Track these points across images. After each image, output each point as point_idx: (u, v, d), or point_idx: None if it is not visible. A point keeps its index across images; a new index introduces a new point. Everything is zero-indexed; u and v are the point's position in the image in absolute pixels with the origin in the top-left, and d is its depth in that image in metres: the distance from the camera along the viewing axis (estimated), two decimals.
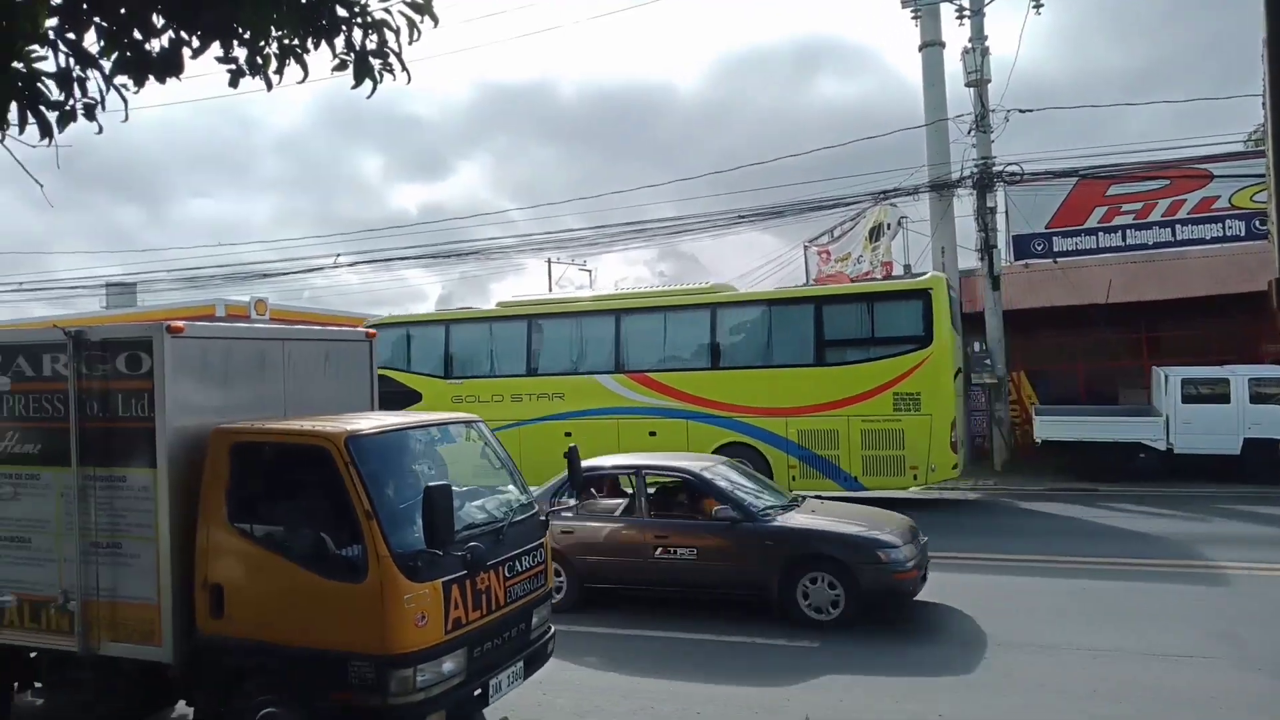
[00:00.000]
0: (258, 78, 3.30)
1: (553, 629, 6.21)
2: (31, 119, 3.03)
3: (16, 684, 6.16)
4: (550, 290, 32.83)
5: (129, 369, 5.36)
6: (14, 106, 3.01)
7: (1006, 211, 19.81)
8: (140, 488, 5.35)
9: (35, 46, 3.16)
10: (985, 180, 18.94)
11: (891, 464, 13.70)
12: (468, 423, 6.32)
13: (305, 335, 6.56)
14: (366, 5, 3.53)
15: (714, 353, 14.92)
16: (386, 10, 3.54)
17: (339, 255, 25.12)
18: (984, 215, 19.01)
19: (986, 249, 19.02)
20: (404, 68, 3.70)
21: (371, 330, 7.01)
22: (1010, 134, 19.01)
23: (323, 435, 5.13)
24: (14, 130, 3.22)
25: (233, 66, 3.24)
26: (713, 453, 13.27)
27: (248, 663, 5.16)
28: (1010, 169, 18.86)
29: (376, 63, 3.64)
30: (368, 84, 3.65)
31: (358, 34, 3.56)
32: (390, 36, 3.63)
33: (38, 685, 6.18)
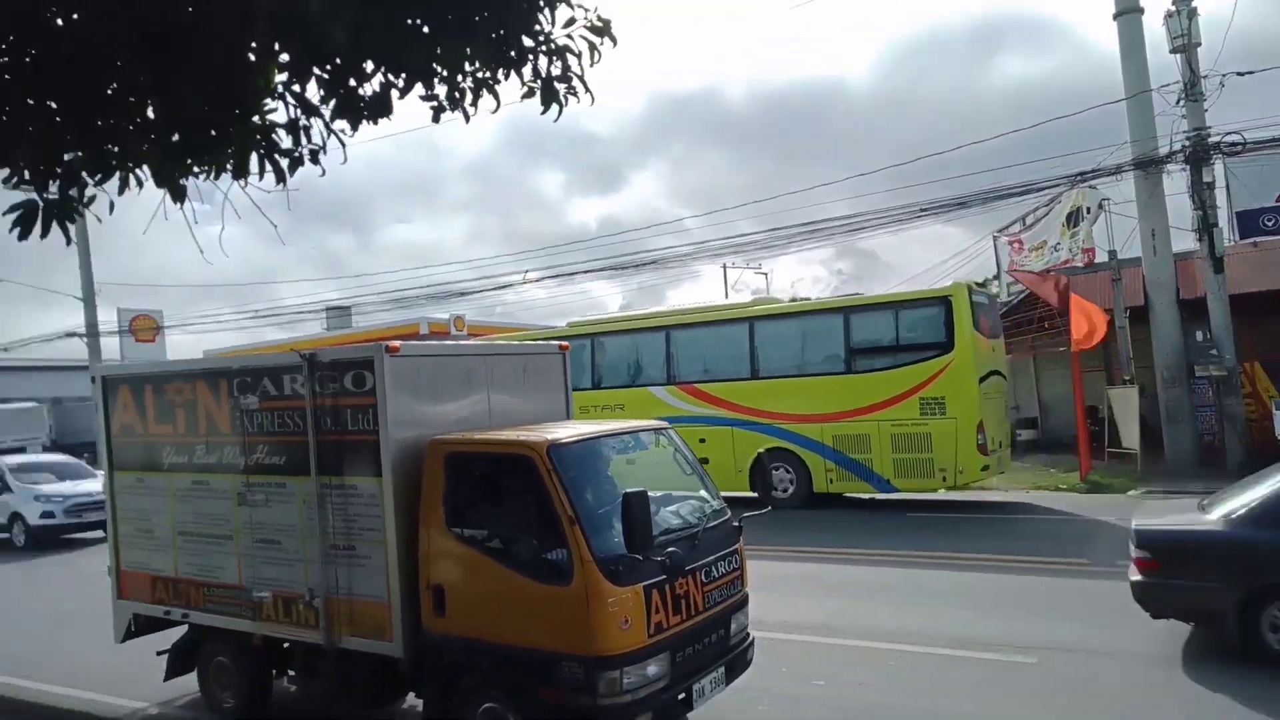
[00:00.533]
0: (457, 111, 3.53)
1: (752, 636, 6.18)
2: (268, 167, 3.41)
3: (275, 670, 6.90)
4: (726, 296, 32.82)
5: (355, 386, 5.86)
6: (254, 156, 3.38)
7: (1227, 186, 17.60)
8: (369, 495, 5.83)
9: (268, 101, 3.53)
10: (1200, 153, 16.98)
11: (921, 466, 14.21)
12: (658, 430, 6.42)
13: (505, 350, 6.93)
14: (550, 34, 3.67)
15: (754, 363, 15.85)
16: (569, 36, 3.67)
17: (527, 271, 26.34)
18: (1200, 192, 17.06)
19: (1205, 228, 17.07)
20: (587, 89, 3.83)
21: (564, 344, 7.29)
22: (1226, 101, 16.86)
23: (526, 444, 5.38)
24: (254, 177, 3.61)
25: (434, 103, 3.47)
26: (755, 458, 14.08)
27: (468, 659, 5.49)
28: (1230, 139, 16.80)
29: (561, 87, 3.78)
30: (554, 109, 3.80)
31: (543, 62, 3.71)
32: (573, 61, 3.76)
33: (291, 673, 6.86)
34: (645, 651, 5.04)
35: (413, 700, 6.66)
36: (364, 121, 3.41)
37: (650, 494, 5.18)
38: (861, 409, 14.60)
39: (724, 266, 36.33)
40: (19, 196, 3.55)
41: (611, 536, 5.16)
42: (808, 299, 16.43)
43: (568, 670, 4.99)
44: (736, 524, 6.20)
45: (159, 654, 7.22)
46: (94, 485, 17.15)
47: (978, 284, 15.37)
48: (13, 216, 3.50)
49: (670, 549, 5.24)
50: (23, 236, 3.51)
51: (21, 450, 42.27)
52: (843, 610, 8.90)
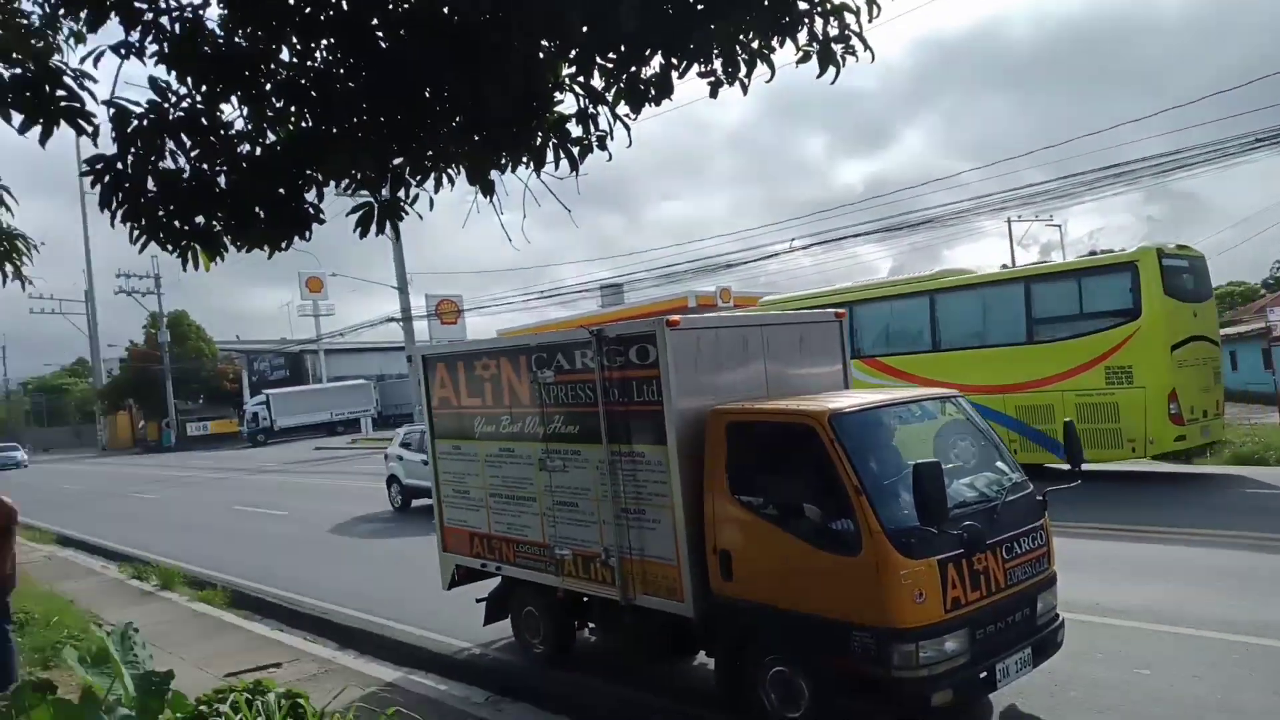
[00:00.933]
0: (734, 84, 3.53)
1: (1061, 617, 5.74)
2: (562, 156, 3.63)
3: (577, 622, 7.47)
4: (1011, 252, 30.32)
5: (639, 359, 6.14)
6: (549, 148, 3.62)
7: None
8: (655, 462, 6.10)
9: (558, 95, 3.75)
10: None
11: (1108, 437, 13.60)
12: (946, 398, 6.10)
13: (781, 320, 6.91)
14: None
15: (935, 336, 15.82)
16: None
17: (793, 240, 25.95)
18: None
19: None
20: (866, 46, 3.67)
21: (841, 311, 7.13)
22: None
23: (807, 414, 5.35)
24: (549, 166, 3.86)
25: (712, 79, 3.50)
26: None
27: (757, 623, 5.60)
28: None
29: (838, 48, 3.65)
30: (830, 71, 3.68)
31: (819, 24, 3.60)
32: (850, 19, 3.61)
33: (592, 625, 7.40)
34: (942, 626, 4.87)
35: (703, 658, 6.92)
36: (646, 104, 3.53)
37: (943, 465, 4.94)
38: (1045, 379, 14.25)
39: (1008, 221, 33.63)
40: (344, 203, 4.09)
41: (900, 508, 5.00)
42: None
43: (859, 641, 4.94)
44: (1040, 498, 5.75)
45: (478, 601, 8.08)
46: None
47: (1178, 246, 14.03)
48: (353, 218, 4.04)
49: (967, 523, 4.98)
50: (363, 234, 4.04)
51: (356, 421, 49.18)
52: (1166, 594, 7.97)
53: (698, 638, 6.26)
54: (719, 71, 3.50)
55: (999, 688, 5.14)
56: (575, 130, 3.68)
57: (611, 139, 3.67)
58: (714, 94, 3.59)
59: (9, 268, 5.85)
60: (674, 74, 3.47)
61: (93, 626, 8.98)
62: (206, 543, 16.23)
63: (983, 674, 5.05)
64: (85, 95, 3.94)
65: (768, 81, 3.72)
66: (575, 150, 3.67)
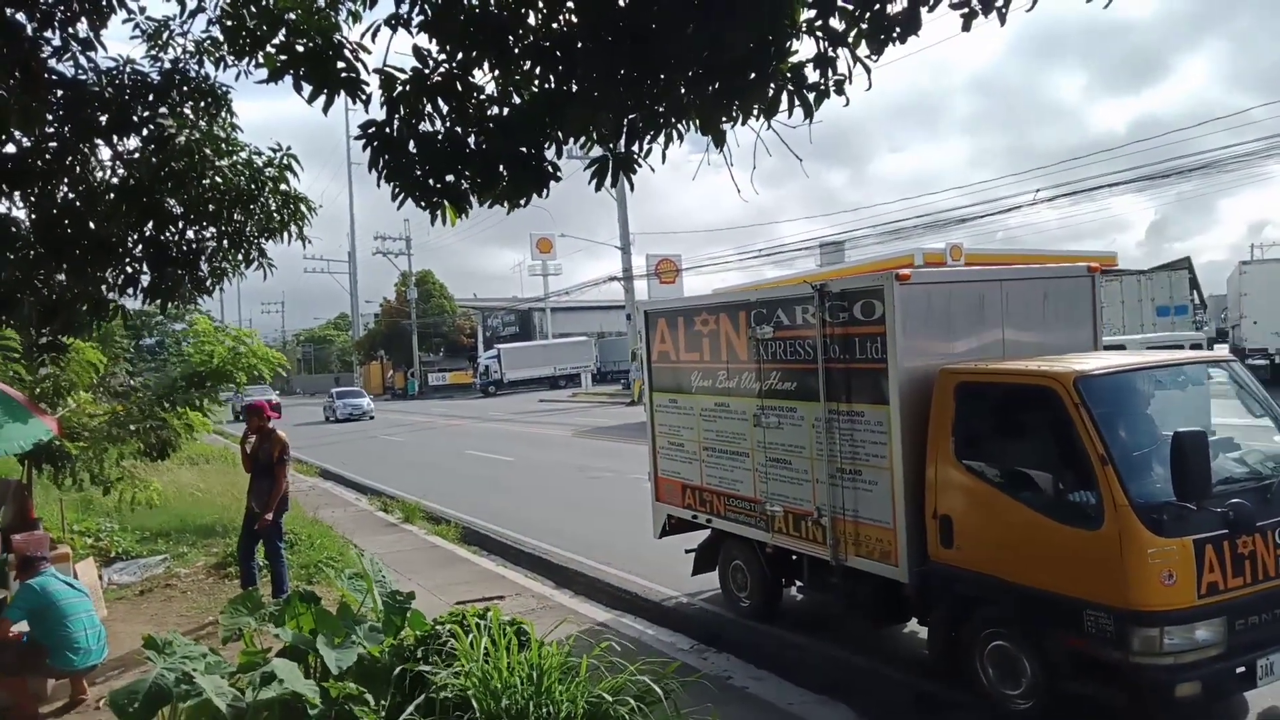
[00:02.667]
0: (990, 14, 3.30)
1: None
2: (797, 102, 3.59)
3: (784, 579, 7.51)
4: None
5: (863, 315, 5.99)
6: (783, 95, 3.59)
7: None
8: (875, 422, 5.96)
9: (795, 41, 3.69)
10: None
11: None
12: (1215, 361, 5.50)
13: (1023, 275, 6.48)
14: None
15: None
16: None
17: (1038, 191, 23.95)
18: None
19: None
20: None
21: (1095, 265, 6.56)
22: None
23: (1050, 375, 5.01)
24: (781, 115, 3.82)
25: (965, 10, 3.30)
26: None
27: (976, 593, 5.38)
28: None
29: None
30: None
31: None
32: None
33: (799, 584, 7.41)
34: (1193, 612, 4.46)
35: (915, 626, 6.75)
36: (890, 44, 3.40)
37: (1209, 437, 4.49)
38: None
39: None
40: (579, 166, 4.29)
41: (1152, 482, 4.61)
42: None
43: (1093, 620, 4.63)
44: None
45: (687, 552, 8.31)
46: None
47: None
48: (583, 183, 4.24)
49: (1234, 501, 4.50)
50: (598, 187, 4.22)
51: (576, 376, 51.74)
52: None
53: (910, 604, 6.11)
54: (974, 2, 3.29)
55: (1259, 685, 4.64)
56: (812, 76, 3.63)
57: (850, 83, 3.58)
58: (967, 27, 3.38)
59: (294, 228, 6.61)
60: (923, 9, 3.31)
61: (349, 549, 10.16)
62: (442, 482, 17.77)
63: (1239, 669, 4.58)
64: (360, 66, 4.37)
65: (1029, 10, 3.41)
66: (811, 96, 3.61)
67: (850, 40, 3.45)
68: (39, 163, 5.67)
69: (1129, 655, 4.50)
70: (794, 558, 7.17)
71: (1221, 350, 22.35)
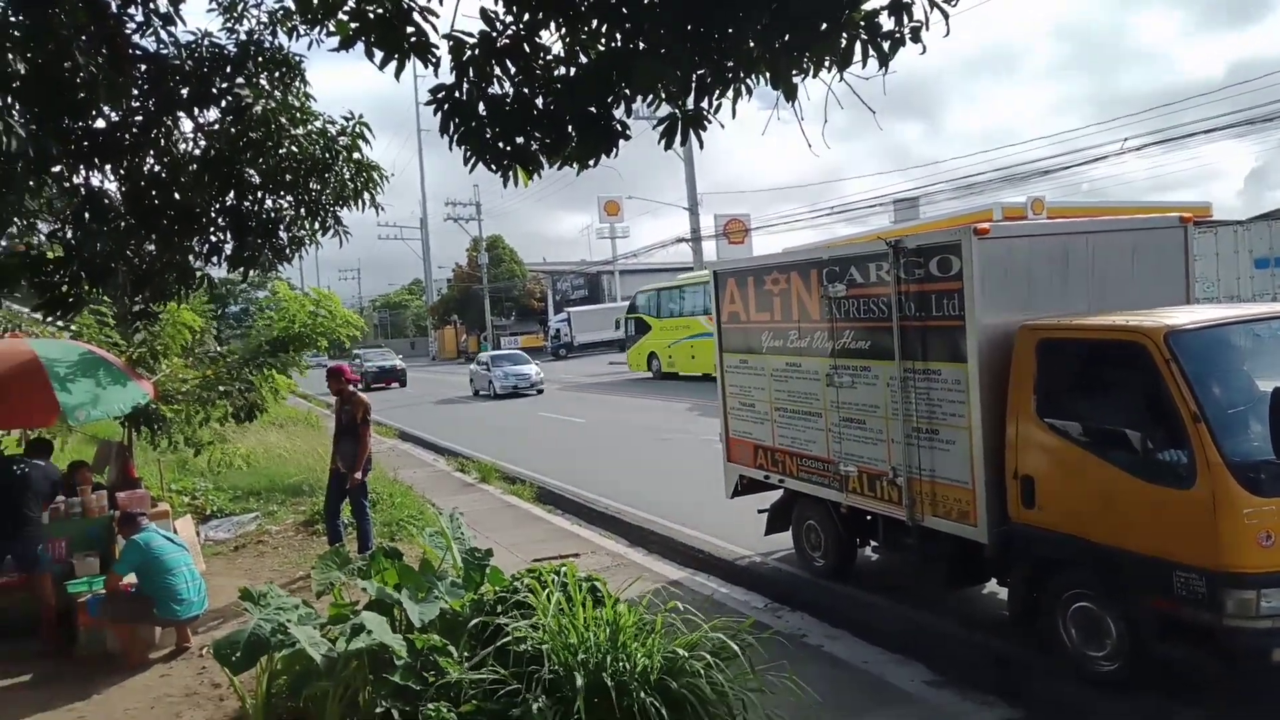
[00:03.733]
0: None
1: None
2: (871, 52, 3.47)
3: (858, 540, 7.46)
4: None
5: (940, 271, 5.84)
6: (857, 45, 3.48)
7: None
8: (953, 381, 5.83)
9: None
10: None
11: None
12: None
13: (1110, 226, 6.21)
14: None
15: None
16: None
17: (1126, 140, 22.78)
18: None
19: None
20: None
21: (1188, 215, 6.25)
22: None
23: (1138, 330, 4.81)
24: (855, 66, 3.71)
25: None
26: None
27: (1059, 554, 5.26)
28: None
29: None
30: None
31: None
32: None
33: (874, 544, 7.36)
34: None
35: (993, 586, 6.65)
36: None
37: None
38: None
39: None
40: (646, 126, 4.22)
41: (1248, 440, 4.42)
42: None
43: (1184, 581, 4.48)
44: None
45: (759, 512, 8.31)
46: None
47: None
48: (651, 144, 4.19)
49: None
50: (668, 145, 4.18)
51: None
52: None
53: (989, 565, 6.01)
54: None
55: None
56: (886, 23, 3.50)
57: (927, 29, 3.44)
58: None
59: (367, 196, 6.73)
60: None
61: (428, 508, 10.45)
62: (516, 443, 18.10)
63: None
64: (429, 30, 4.39)
65: None
66: (885, 45, 3.49)
67: None
68: (126, 136, 5.87)
69: (1222, 618, 4.36)
70: (869, 518, 7.11)
71: None
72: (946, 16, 3.39)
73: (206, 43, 5.93)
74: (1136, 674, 4.94)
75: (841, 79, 3.89)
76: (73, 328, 9.56)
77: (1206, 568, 4.39)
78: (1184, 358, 4.58)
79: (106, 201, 6.08)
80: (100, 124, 5.77)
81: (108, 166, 5.95)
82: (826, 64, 3.80)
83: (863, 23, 3.48)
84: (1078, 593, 5.19)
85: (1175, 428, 4.54)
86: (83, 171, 5.88)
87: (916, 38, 3.49)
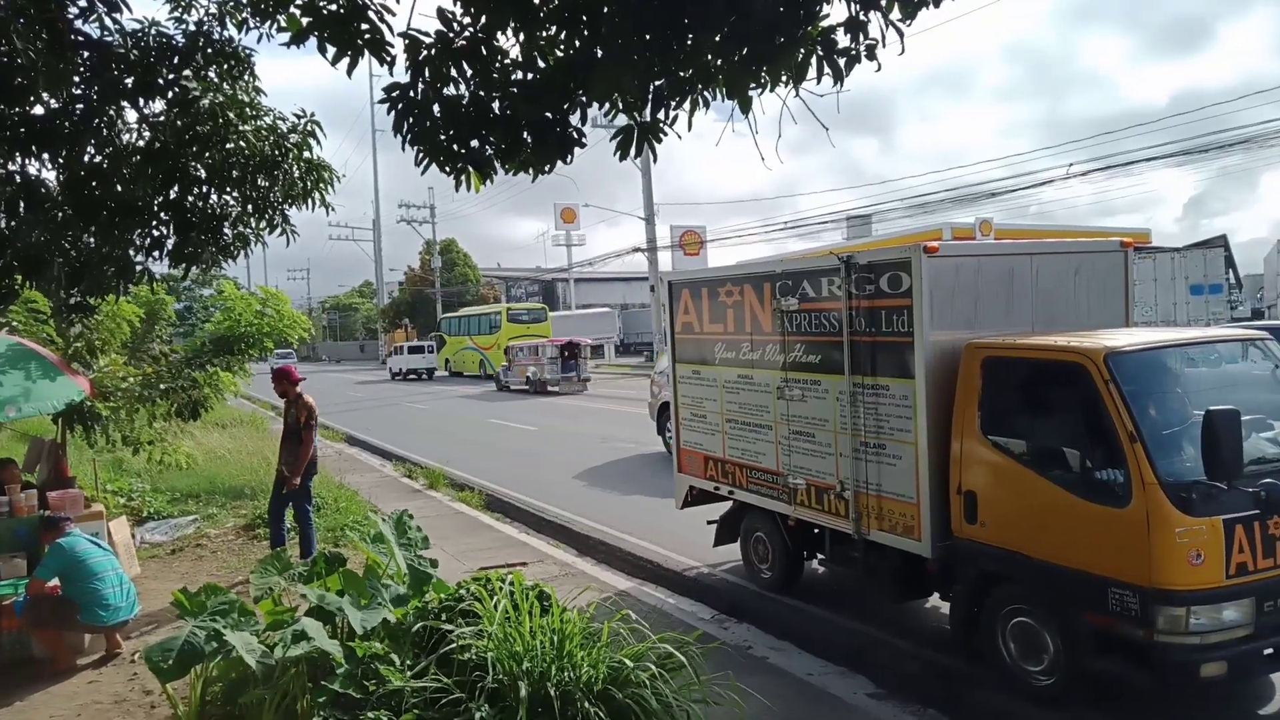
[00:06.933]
0: None
1: None
2: (827, 68, 3.51)
3: (806, 552, 7.51)
4: None
5: (890, 288, 5.91)
6: (813, 61, 3.51)
7: None
8: (900, 397, 5.90)
9: (825, 5, 3.60)
10: None
11: None
12: (1249, 340, 5.37)
13: (1055, 249, 6.37)
14: None
15: None
16: None
17: (1071, 165, 23.43)
18: None
19: None
20: None
21: (1128, 240, 6.43)
22: None
23: (1079, 351, 4.93)
24: (809, 82, 3.74)
25: None
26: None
27: (1000, 569, 5.34)
28: None
29: None
30: None
31: None
32: None
33: (821, 556, 7.41)
34: (1221, 593, 4.40)
35: (935, 600, 6.73)
36: (925, 7, 3.31)
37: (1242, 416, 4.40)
38: None
39: None
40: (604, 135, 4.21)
41: (1181, 460, 4.54)
42: None
43: (1118, 598, 4.58)
44: None
45: (708, 523, 8.32)
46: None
47: None
48: (608, 154, 4.19)
49: (1266, 481, 4.42)
50: (623, 157, 4.18)
51: (600, 347, 51.79)
52: None
53: (932, 579, 6.08)
54: None
55: None
56: (842, 40, 3.55)
57: (882, 47, 3.49)
58: None
59: (317, 195, 6.61)
60: None
61: (372, 514, 10.27)
62: (466, 449, 17.90)
63: (1268, 650, 4.53)
64: (384, 28, 4.33)
65: None
66: (841, 62, 3.53)
67: (883, 3, 3.37)
68: (66, 125, 5.70)
69: (1154, 634, 4.46)
70: (816, 531, 7.15)
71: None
72: (902, 35, 3.44)
73: (153, 32, 5.78)
74: (1071, 689, 5.03)
75: (797, 94, 3.93)
76: (3, 319, 9.22)
77: (1140, 584, 4.49)
78: (1122, 379, 4.69)
79: (44, 191, 5.89)
80: (39, 110, 5.59)
81: (46, 155, 5.76)
82: (783, 78, 3.83)
83: (820, 39, 3.52)
84: (1017, 607, 5.28)
85: (1113, 447, 4.65)
86: (19, 159, 5.69)
87: (872, 55, 3.54)
